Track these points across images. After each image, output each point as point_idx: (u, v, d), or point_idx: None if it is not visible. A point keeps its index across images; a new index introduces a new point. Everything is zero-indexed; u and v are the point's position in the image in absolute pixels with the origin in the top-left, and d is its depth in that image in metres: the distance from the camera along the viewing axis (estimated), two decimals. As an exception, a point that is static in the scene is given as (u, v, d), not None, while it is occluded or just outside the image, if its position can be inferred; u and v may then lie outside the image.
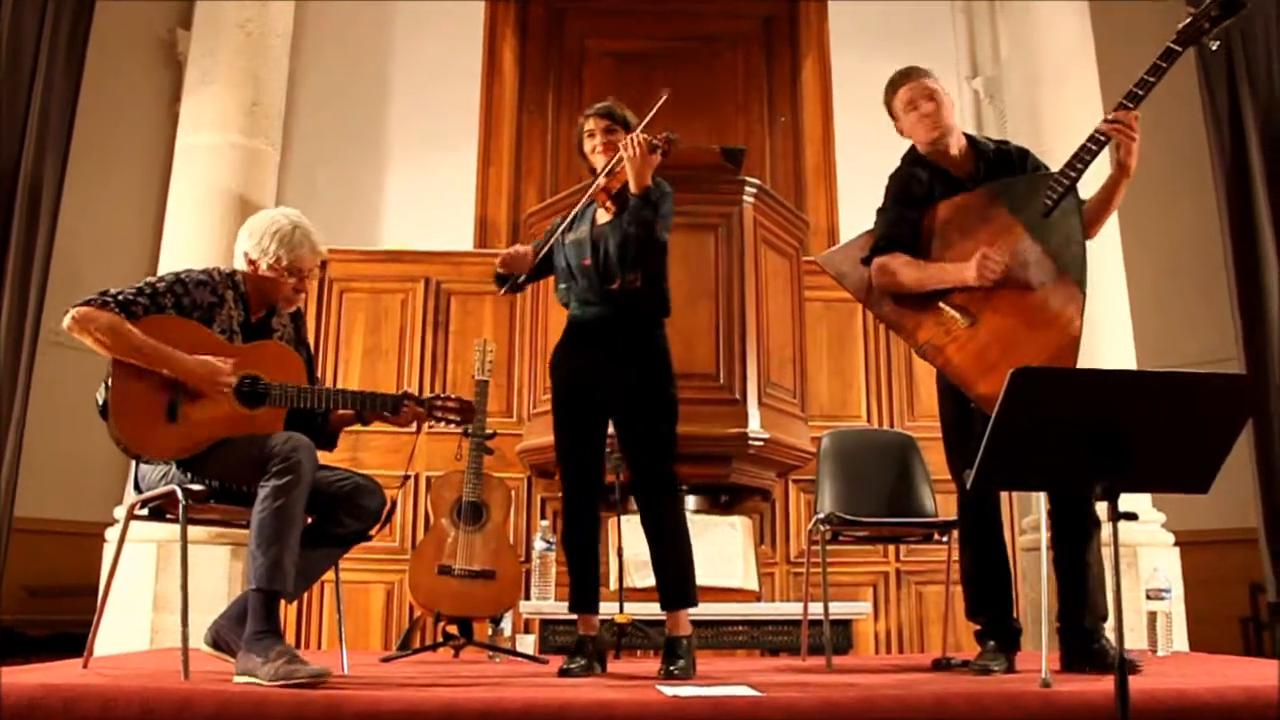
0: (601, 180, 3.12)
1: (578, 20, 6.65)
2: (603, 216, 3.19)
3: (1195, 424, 2.00)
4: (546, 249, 3.25)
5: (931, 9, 6.39)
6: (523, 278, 3.24)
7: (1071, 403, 1.99)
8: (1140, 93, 2.94)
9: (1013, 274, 2.97)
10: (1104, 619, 3.05)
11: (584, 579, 3.15)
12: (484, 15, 6.32)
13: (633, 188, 3.01)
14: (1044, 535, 3.00)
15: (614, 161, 3.10)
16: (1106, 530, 2.03)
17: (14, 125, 4.86)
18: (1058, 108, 5.52)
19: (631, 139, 2.99)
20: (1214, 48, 3.01)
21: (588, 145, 3.25)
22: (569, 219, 3.24)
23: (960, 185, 3.17)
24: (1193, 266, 5.97)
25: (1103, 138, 2.96)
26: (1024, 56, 5.79)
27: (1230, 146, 5.31)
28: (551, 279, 3.36)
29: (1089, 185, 3.07)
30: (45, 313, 4.88)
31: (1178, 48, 2.93)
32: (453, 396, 3.08)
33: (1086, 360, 2.98)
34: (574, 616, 3.21)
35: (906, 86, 3.24)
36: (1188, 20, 2.94)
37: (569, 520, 3.18)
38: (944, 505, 3.78)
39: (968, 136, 3.27)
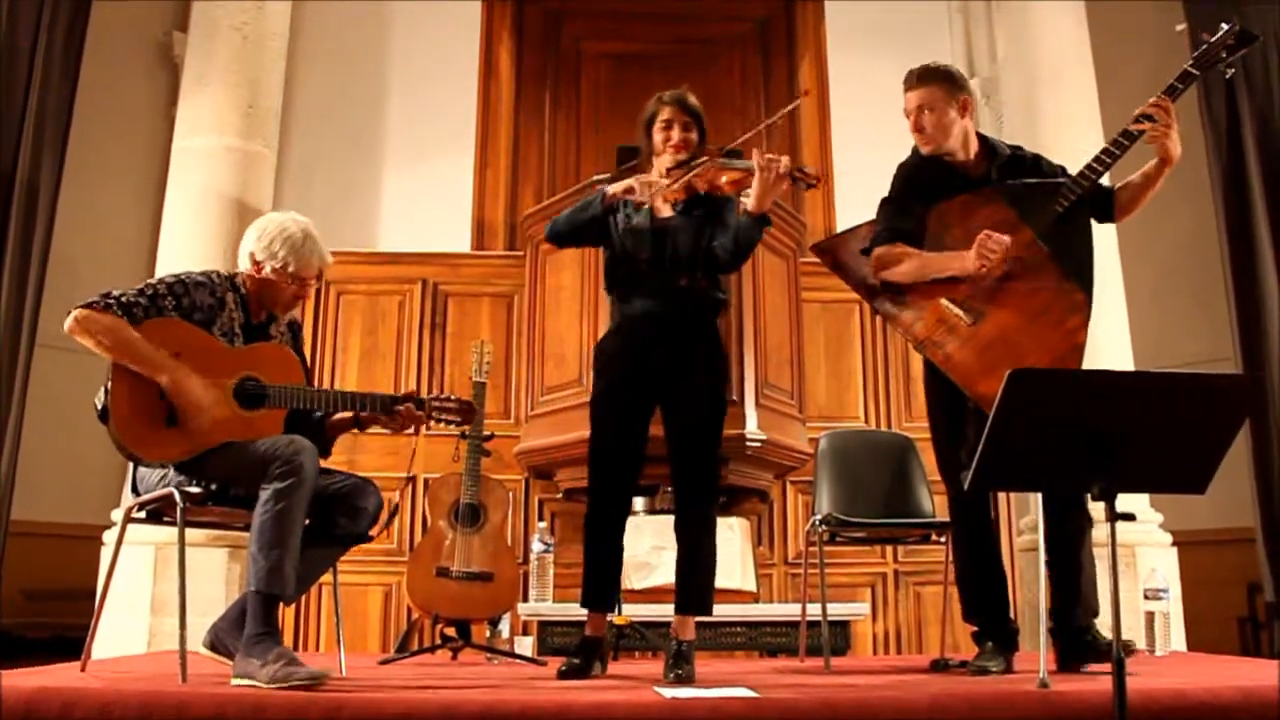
0: (684, 176, 3.06)
1: (574, 22, 6.65)
2: (663, 208, 3.13)
3: (1193, 425, 2.01)
4: (599, 222, 3.15)
5: (928, 9, 6.40)
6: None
7: (1069, 404, 1.99)
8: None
9: (1018, 275, 2.95)
10: (1096, 615, 3.05)
11: (605, 576, 3.12)
12: (480, 17, 6.32)
13: (753, 207, 2.98)
14: (1041, 536, 3.00)
15: (718, 165, 3.04)
16: (1104, 531, 2.03)
17: (10, 128, 4.85)
18: (1054, 108, 5.52)
19: (774, 159, 2.93)
20: (1228, 75, 3.04)
21: (660, 134, 3.17)
22: (631, 203, 3.14)
23: (971, 185, 3.14)
24: (1190, 269, 5.97)
25: (1125, 141, 2.94)
26: (1021, 57, 5.79)
27: (1226, 149, 5.33)
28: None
29: (1119, 175, 3.06)
30: (42, 315, 4.87)
31: (1195, 71, 2.96)
32: (452, 396, 3.07)
33: (1084, 362, 2.98)
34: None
35: (907, 93, 3.18)
36: (1203, 48, 2.97)
37: (598, 515, 3.11)
38: (941, 506, 3.77)
39: (983, 138, 3.23)
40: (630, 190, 3.09)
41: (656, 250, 3.09)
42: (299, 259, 2.92)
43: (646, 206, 3.12)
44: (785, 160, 2.95)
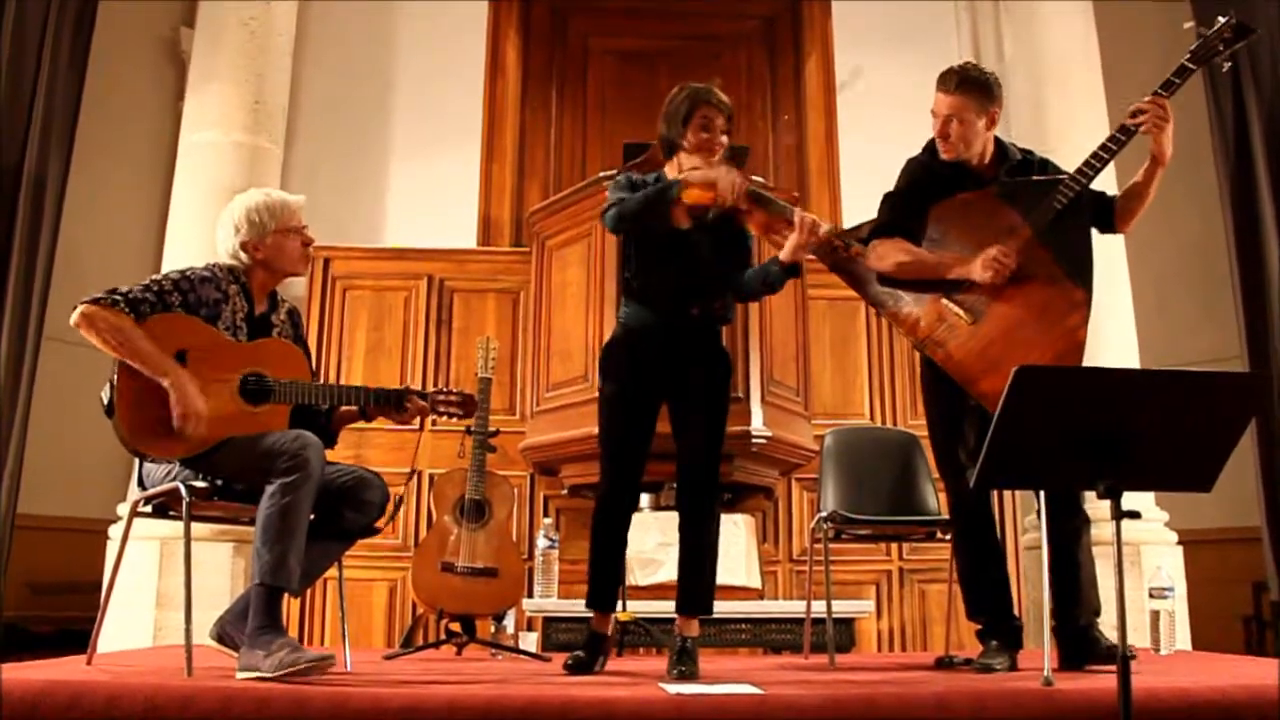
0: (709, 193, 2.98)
1: (581, 19, 6.66)
2: (680, 219, 3.07)
3: (1199, 423, 2.00)
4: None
5: (935, 8, 6.38)
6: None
7: (1075, 402, 1.99)
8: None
9: (1017, 274, 2.93)
10: (1097, 614, 3.06)
11: (610, 576, 3.13)
12: (487, 14, 6.32)
13: (786, 257, 3.02)
14: (1044, 534, 3.00)
15: (741, 191, 3.00)
16: (1110, 529, 2.03)
17: (18, 123, 4.86)
18: (1061, 107, 5.52)
19: (815, 221, 2.99)
20: (1225, 68, 3.03)
21: (703, 133, 3.06)
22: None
23: (979, 185, 3.12)
24: (1196, 268, 5.96)
25: (1123, 136, 2.94)
26: (1027, 56, 5.78)
27: (1234, 146, 5.31)
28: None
29: (1120, 180, 3.05)
30: (49, 310, 4.88)
31: (1192, 65, 2.96)
32: (454, 390, 3.09)
33: (1089, 361, 2.98)
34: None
35: (940, 94, 3.11)
36: (1199, 41, 2.97)
37: (607, 515, 3.11)
38: (946, 503, 3.78)
39: (997, 141, 3.19)
40: (711, 185, 2.96)
41: (688, 260, 3.08)
42: (283, 213, 2.93)
43: None
44: (829, 231, 3.06)
